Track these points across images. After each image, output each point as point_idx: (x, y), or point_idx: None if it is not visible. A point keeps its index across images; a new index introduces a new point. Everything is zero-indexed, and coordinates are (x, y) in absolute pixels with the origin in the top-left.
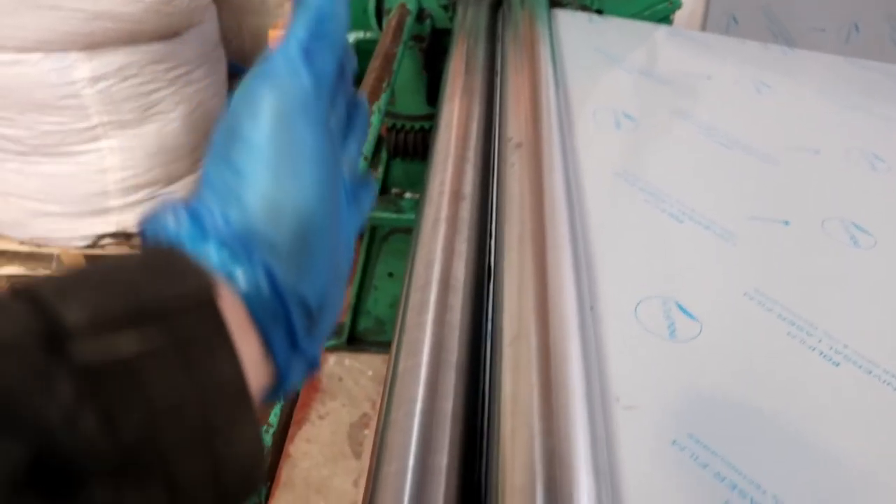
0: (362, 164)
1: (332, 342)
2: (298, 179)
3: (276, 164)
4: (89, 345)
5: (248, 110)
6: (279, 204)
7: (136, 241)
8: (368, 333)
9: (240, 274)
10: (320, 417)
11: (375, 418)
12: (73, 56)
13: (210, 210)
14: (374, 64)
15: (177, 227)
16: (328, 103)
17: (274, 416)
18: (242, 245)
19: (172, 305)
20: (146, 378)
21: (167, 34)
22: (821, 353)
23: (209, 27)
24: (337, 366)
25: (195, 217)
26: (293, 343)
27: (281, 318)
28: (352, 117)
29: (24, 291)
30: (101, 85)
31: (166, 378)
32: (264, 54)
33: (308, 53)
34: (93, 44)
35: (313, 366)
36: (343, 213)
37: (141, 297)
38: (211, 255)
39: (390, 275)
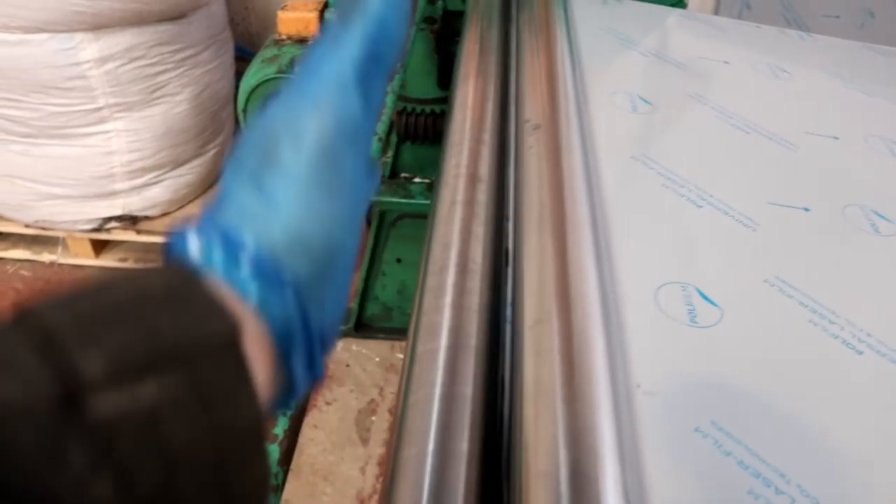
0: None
1: (340, 328)
2: (334, 212)
3: (313, 196)
4: (108, 398)
5: (290, 133)
6: (311, 235)
7: (143, 227)
8: (376, 319)
9: (270, 306)
10: (327, 403)
11: (382, 405)
12: (80, 37)
13: (242, 236)
14: None
15: (207, 251)
16: (374, 123)
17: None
18: (275, 276)
19: (196, 349)
20: (165, 429)
21: (174, 15)
22: (843, 342)
23: (217, 9)
24: (345, 352)
25: (228, 243)
26: (310, 366)
27: (303, 347)
28: None
29: (37, 332)
30: (108, 66)
31: (185, 427)
32: (307, 60)
33: (363, 78)
34: (99, 24)
35: (319, 378)
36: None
37: (163, 339)
38: (243, 285)
39: (398, 260)
